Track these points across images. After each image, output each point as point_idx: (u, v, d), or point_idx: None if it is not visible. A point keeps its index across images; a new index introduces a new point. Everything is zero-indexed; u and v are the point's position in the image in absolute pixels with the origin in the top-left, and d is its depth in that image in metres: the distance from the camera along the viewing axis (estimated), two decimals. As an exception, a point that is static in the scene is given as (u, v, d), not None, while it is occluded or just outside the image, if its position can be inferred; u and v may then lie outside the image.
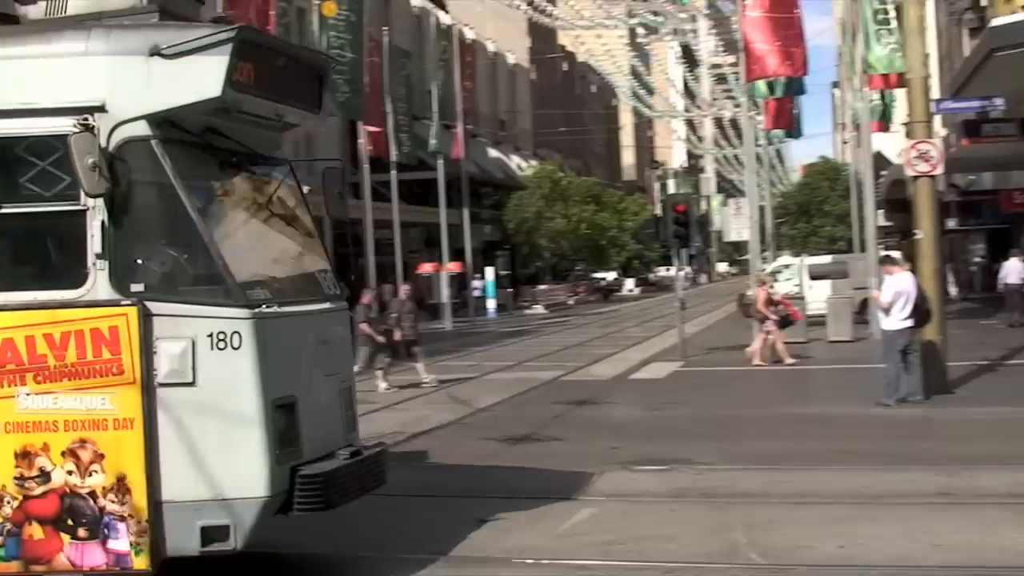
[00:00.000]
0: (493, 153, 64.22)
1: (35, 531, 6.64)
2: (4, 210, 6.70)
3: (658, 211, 65.63)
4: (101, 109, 6.61)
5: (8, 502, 6.65)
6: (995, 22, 22.65)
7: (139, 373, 6.54)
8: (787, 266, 34.87)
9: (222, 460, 6.64)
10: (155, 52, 6.67)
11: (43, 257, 6.99)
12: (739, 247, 69.24)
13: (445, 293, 42.05)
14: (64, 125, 6.45)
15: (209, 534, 6.62)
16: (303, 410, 6.98)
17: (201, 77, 6.68)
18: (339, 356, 7.82)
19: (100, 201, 6.53)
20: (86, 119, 6.49)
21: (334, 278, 8.01)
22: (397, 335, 19.40)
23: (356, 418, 8.02)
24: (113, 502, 6.59)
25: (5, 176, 6.72)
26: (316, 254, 8.11)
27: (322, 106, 8.06)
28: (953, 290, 36.78)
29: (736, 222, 41.61)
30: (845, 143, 57.47)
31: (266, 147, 7.80)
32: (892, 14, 26.45)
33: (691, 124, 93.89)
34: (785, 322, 21.28)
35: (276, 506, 6.81)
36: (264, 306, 6.79)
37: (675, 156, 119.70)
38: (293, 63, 7.70)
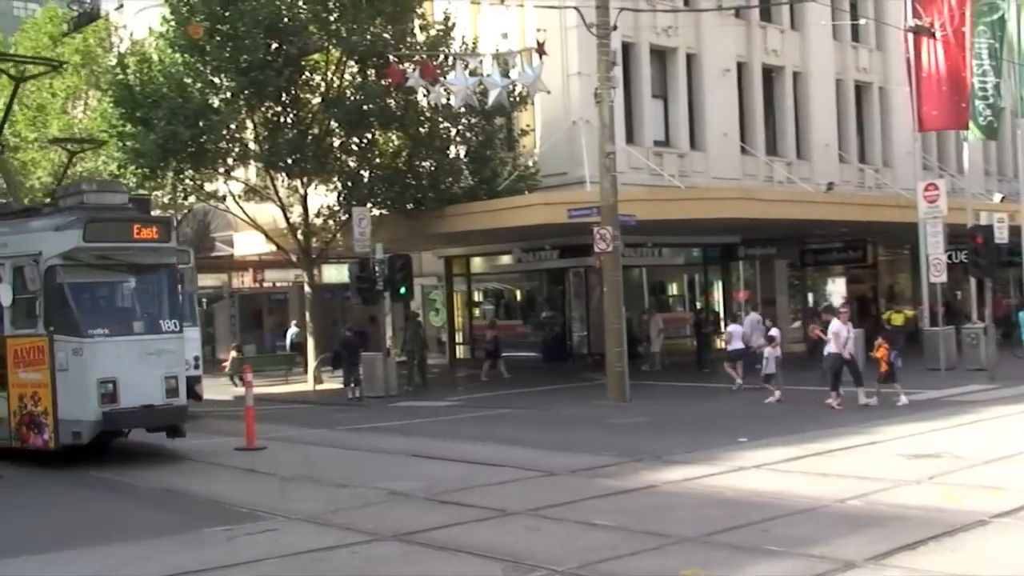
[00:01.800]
0: None
1: (24, 430, 15.21)
2: (16, 296, 15.49)
3: None
4: (40, 254, 15.22)
5: (16, 418, 15.24)
6: None
7: (49, 364, 14.77)
8: None
9: (79, 403, 14.70)
10: (57, 228, 15.38)
11: (27, 315, 15.40)
12: None
13: None
14: (28, 261, 15.28)
15: (74, 436, 14.78)
16: (122, 385, 14.80)
17: (70, 239, 15.16)
18: (166, 360, 15.45)
19: (39, 292, 15.11)
20: (34, 259, 15.16)
21: (177, 323, 15.89)
22: None
23: (178, 390, 15.56)
24: (44, 418, 14.90)
25: (14, 283, 15.56)
26: (167, 311, 16.02)
27: (170, 239, 16.25)
28: None
29: None
30: None
31: (150, 259, 15.96)
32: None
33: None
34: None
35: (100, 426, 14.84)
36: (96, 337, 14.89)
37: None
38: (139, 223, 15.97)
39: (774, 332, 22.92)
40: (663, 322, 30.09)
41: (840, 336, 20.13)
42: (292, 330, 34.37)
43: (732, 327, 24.47)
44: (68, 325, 14.87)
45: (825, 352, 20.57)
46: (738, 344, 23.85)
